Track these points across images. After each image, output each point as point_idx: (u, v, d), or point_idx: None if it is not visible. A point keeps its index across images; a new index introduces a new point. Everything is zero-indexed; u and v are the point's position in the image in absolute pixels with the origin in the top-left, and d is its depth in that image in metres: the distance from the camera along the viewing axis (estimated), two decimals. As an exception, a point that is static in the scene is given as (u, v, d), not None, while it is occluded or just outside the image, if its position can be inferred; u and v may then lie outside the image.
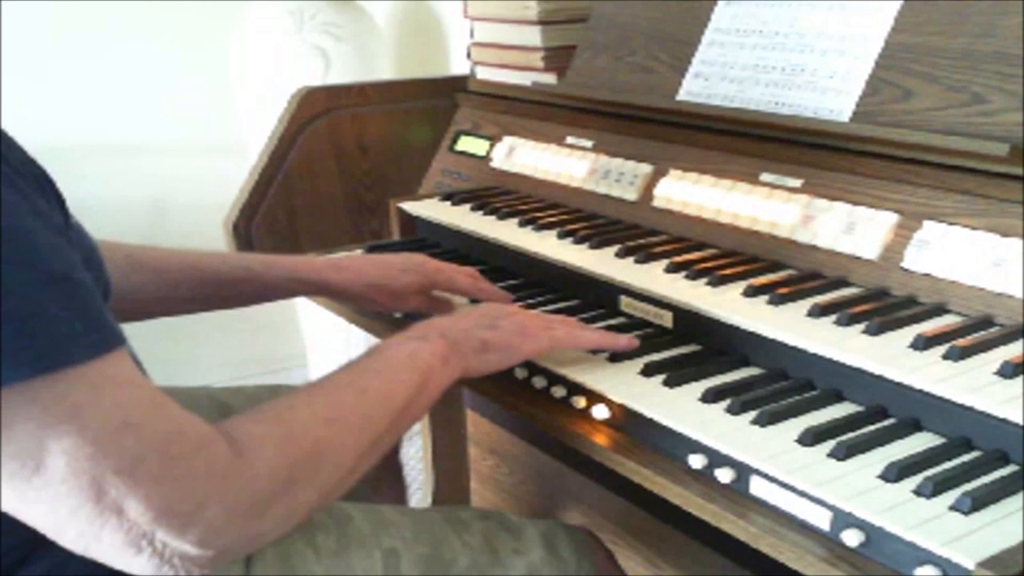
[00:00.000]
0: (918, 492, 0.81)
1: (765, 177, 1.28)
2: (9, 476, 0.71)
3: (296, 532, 1.01)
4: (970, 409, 0.88)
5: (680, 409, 0.98)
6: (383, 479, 1.48)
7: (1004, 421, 0.86)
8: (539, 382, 1.10)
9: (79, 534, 0.74)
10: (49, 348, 0.70)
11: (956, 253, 1.06)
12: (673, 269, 1.21)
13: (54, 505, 0.72)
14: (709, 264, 1.21)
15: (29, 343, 0.69)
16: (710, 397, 0.99)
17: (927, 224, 1.10)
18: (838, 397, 0.99)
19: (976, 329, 1.00)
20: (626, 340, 1.11)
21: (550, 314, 1.18)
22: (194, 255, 1.24)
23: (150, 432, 0.74)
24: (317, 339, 2.78)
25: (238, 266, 1.25)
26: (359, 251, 1.53)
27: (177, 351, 2.51)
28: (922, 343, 0.96)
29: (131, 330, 0.84)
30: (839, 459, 0.87)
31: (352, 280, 1.26)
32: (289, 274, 1.25)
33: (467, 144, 1.75)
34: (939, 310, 1.05)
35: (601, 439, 1.00)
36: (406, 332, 1.02)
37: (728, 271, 1.18)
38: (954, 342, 0.95)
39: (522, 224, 1.44)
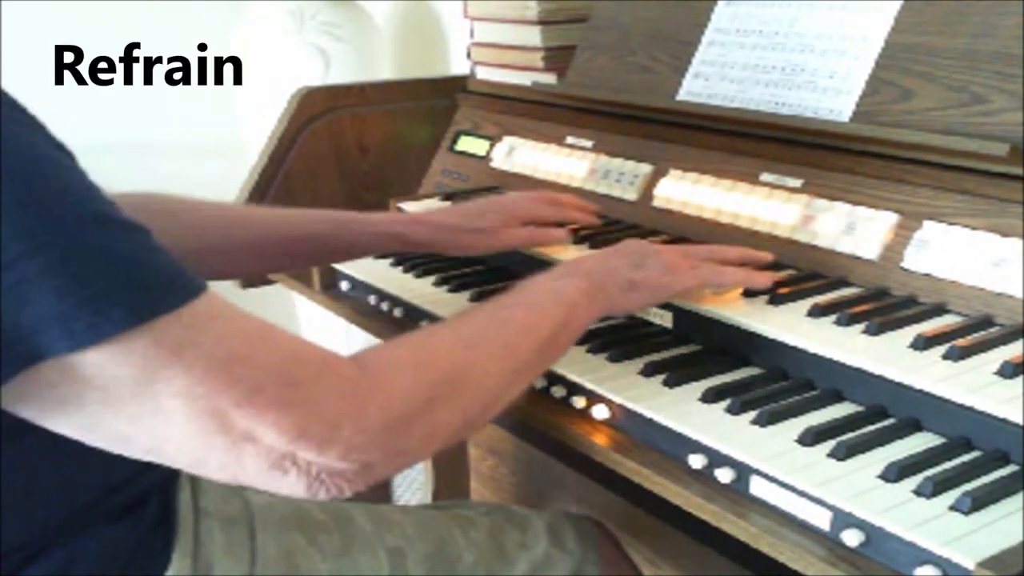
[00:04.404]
0: (918, 492, 0.81)
1: (765, 177, 1.28)
2: (134, 419, 0.70)
3: (297, 531, 1.01)
4: (970, 409, 0.88)
5: (680, 409, 0.98)
6: None
7: (1004, 421, 0.85)
8: (539, 382, 1.09)
9: (221, 465, 0.73)
10: (140, 298, 0.68)
11: (956, 253, 1.06)
12: (673, 269, 1.21)
13: (187, 442, 0.71)
14: (709, 264, 1.21)
15: (120, 296, 0.67)
16: (710, 397, 0.99)
17: (927, 224, 1.10)
18: (838, 397, 0.99)
19: (976, 329, 1.00)
20: (766, 277, 1.11)
21: (695, 246, 1.17)
22: (281, 213, 1.26)
23: (263, 361, 0.73)
24: (317, 339, 2.78)
25: (327, 220, 1.25)
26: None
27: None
28: (922, 343, 0.96)
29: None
30: (839, 459, 0.87)
31: (435, 228, 1.25)
32: (374, 228, 1.24)
33: (467, 144, 1.75)
34: (939, 310, 1.05)
35: (601, 439, 1.00)
36: (551, 271, 1.02)
37: (728, 271, 1.18)
38: (954, 342, 0.95)
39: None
